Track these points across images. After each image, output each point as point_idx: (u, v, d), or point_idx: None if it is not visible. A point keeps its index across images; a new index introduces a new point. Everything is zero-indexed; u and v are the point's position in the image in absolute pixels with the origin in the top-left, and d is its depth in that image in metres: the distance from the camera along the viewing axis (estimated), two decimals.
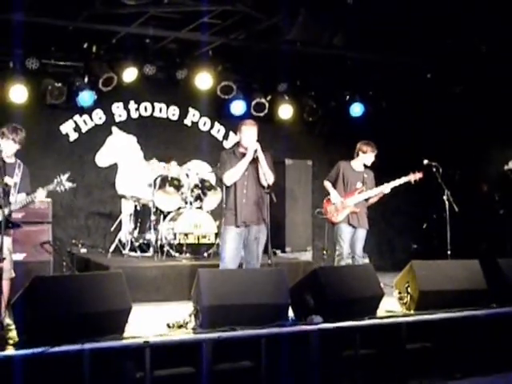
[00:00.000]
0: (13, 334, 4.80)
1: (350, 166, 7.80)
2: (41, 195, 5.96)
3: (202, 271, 5.41)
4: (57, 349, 4.45)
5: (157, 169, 9.20)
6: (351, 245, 7.67)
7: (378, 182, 7.86)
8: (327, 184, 7.78)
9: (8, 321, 5.11)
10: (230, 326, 5.15)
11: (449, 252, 7.67)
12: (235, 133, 6.81)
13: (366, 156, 7.76)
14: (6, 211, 5.57)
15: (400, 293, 6.48)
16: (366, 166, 7.85)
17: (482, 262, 6.82)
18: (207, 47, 9.51)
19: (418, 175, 7.79)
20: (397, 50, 9.25)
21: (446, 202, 7.86)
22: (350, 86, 10.84)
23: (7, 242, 5.73)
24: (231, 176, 6.48)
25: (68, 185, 6.03)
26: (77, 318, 4.72)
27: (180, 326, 5.38)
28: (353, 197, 7.65)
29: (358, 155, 7.80)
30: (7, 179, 5.75)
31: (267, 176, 6.45)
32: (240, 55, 9.75)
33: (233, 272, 6.16)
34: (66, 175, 6.05)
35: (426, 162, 7.99)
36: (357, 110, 10.96)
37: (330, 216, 7.65)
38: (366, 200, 7.77)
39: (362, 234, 7.71)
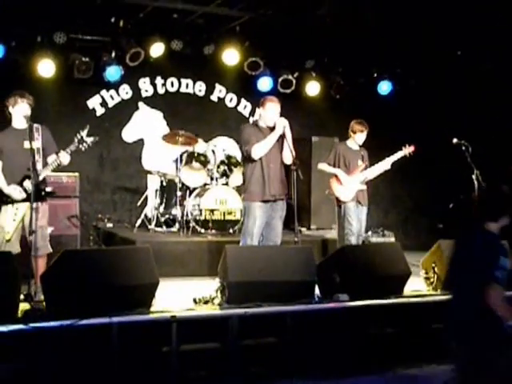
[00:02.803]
0: (43, 305, 4.86)
1: (347, 147, 7.82)
2: (64, 158, 5.89)
3: (230, 247, 5.43)
4: (85, 321, 4.50)
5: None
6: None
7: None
8: (325, 165, 7.74)
9: (41, 295, 5.16)
10: (256, 303, 5.17)
11: None
12: (258, 107, 6.72)
13: (358, 135, 7.74)
14: (34, 181, 5.57)
15: (427, 272, 6.45)
16: (360, 145, 7.84)
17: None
18: (235, 22, 9.44)
19: (411, 148, 7.76)
20: (426, 27, 9.09)
21: (475, 182, 7.78)
22: (379, 63, 10.71)
23: (39, 216, 5.76)
24: (261, 149, 6.40)
25: (90, 140, 5.93)
26: (105, 292, 4.76)
27: (206, 302, 5.40)
28: (358, 175, 7.65)
29: (350, 135, 7.79)
30: (26, 144, 5.73)
31: (289, 154, 6.43)
32: (268, 31, 9.65)
33: (260, 249, 6.15)
34: (86, 130, 5.92)
35: (455, 140, 7.93)
36: (384, 88, 10.86)
37: (339, 195, 7.61)
38: None
39: (365, 211, 7.76)
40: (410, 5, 8.33)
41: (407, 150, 7.75)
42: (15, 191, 5.83)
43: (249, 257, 5.51)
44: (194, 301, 5.43)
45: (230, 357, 5.00)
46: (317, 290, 5.72)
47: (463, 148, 7.87)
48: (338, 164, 7.68)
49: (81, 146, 5.91)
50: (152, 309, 5.01)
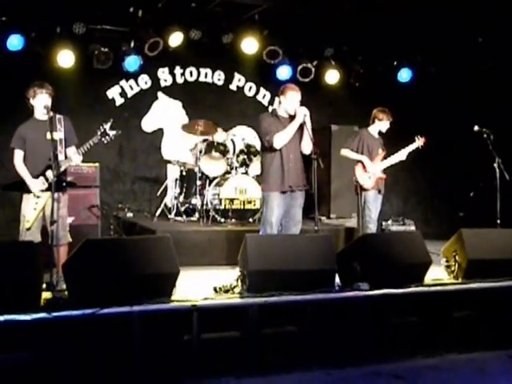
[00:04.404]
0: (64, 294, 4.90)
1: (369, 134, 7.87)
2: (77, 159, 5.97)
3: (250, 236, 5.42)
4: (106, 310, 4.52)
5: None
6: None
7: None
8: (349, 152, 7.77)
9: (62, 284, 5.20)
10: (276, 291, 5.16)
11: (498, 221, 7.55)
12: (278, 95, 6.71)
13: (381, 123, 7.82)
14: (55, 172, 5.62)
15: (447, 261, 6.40)
16: (379, 133, 7.89)
17: None
18: (254, 11, 9.40)
19: (422, 140, 7.81)
20: (446, 13, 8.99)
21: (497, 170, 7.72)
22: (399, 50, 10.62)
23: (60, 206, 5.82)
24: (282, 139, 6.41)
25: (112, 133, 5.97)
26: (126, 281, 4.78)
27: (227, 291, 5.41)
28: (379, 163, 7.71)
29: (373, 122, 7.86)
30: (49, 135, 5.75)
31: (309, 144, 6.42)
32: (287, 19, 9.60)
33: (280, 237, 6.16)
34: (109, 123, 5.96)
35: (476, 128, 7.89)
36: (404, 75, 10.80)
37: (363, 183, 7.67)
38: None
39: (381, 199, 7.84)
40: None
41: (420, 142, 7.79)
42: (36, 184, 5.89)
43: (269, 245, 5.50)
44: (215, 290, 5.44)
45: (250, 345, 5.01)
46: (337, 279, 5.71)
47: (485, 136, 7.82)
48: (361, 151, 7.72)
49: (103, 138, 5.96)
50: (173, 298, 5.03)
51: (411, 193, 11.52)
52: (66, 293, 4.88)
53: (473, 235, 6.37)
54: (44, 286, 4.97)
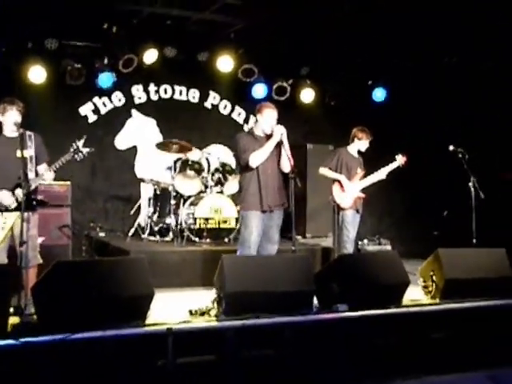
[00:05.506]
0: (33, 319, 4.73)
1: (348, 152, 7.85)
2: (48, 176, 5.80)
3: (226, 257, 5.32)
4: (78, 335, 4.37)
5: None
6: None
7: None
8: (327, 170, 7.74)
9: (31, 308, 5.02)
10: (253, 314, 5.06)
11: (474, 240, 7.55)
12: (254, 114, 6.66)
13: (361, 143, 7.80)
14: (25, 191, 5.45)
15: (425, 281, 6.38)
16: (359, 152, 7.86)
17: (508, 251, 6.70)
18: (229, 30, 9.35)
19: (404, 159, 7.79)
20: (420, 33, 9.04)
21: (472, 189, 7.74)
22: (373, 70, 10.65)
23: (30, 226, 5.65)
24: (258, 157, 6.33)
25: (85, 150, 5.82)
26: (99, 304, 4.64)
27: (202, 313, 5.31)
28: (357, 182, 7.68)
29: (353, 141, 7.83)
30: (19, 152, 5.59)
31: (288, 162, 6.34)
32: (262, 38, 9.57)
33: (257, 258, 6.05)
34: (82, 140, 5.80)
35: (451, 147, 7.93)
36: (379, 94, 10.83)
37: (340, 202, 7.62)
38: None
39: (359, 219, 7.79)
40: (403, 13, 8.29)
41: (401, 160, 7.77)
42: (4, 196, 5.71)
43: (246, 266, 5.40)
44: (190, 312, 5.33)
45: (228, 369, 4.89)
46: (315, 300, 5.62)
47: (460, 155, 7.84)
48: (339, 170, 7.69)
49: (76, 156, 5.81)
50: (147, 321, 4.89)
51: (386, 211, 11.51)
52: (35, 317, 4.70)
53: (450, 255, 6.37)
54: (11, 310, 4.79)
